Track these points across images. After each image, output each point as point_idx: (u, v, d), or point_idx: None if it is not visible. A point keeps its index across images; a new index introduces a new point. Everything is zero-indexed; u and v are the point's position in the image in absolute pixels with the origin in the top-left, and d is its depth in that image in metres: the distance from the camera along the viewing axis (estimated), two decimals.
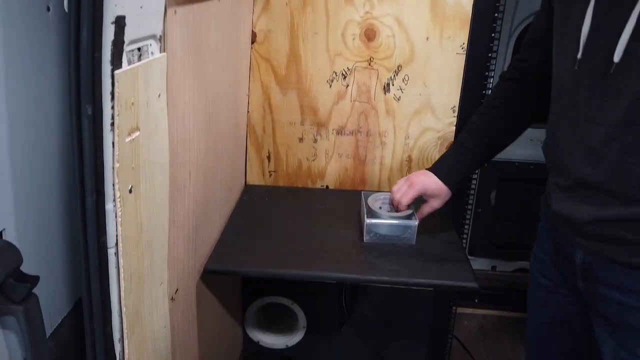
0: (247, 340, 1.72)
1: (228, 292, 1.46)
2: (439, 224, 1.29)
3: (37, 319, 0.72)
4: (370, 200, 1.24)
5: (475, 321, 2.30)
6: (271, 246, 1.16)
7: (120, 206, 0.67)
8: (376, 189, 1.46)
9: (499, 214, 2.38)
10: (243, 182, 1.48)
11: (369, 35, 1.31)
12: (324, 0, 1.29)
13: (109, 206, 0.66)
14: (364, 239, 1.20)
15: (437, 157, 1.42)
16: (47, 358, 0.75)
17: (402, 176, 1.42)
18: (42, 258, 0.70)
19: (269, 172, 1.48)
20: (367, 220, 1.18)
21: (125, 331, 0.74)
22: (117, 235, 0.68)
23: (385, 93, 1.37)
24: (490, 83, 1.33)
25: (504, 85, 1.06)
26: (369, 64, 1.34)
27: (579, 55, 0.77)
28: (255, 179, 1.49)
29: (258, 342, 1.72)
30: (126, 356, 0.75)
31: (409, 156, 1.43)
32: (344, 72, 1.35)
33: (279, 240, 1.19)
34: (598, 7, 0.74)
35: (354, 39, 1.32)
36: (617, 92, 0.73)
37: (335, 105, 1.39)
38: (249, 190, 1.46)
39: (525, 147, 2.34)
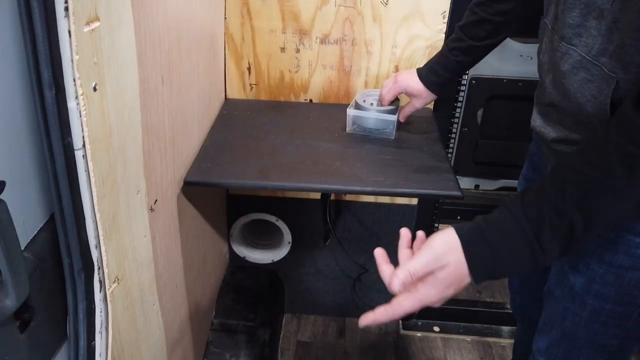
0: (234, 256, 1.74)
1: (213, 207, 1.45)
2: (428, 137, 1.27)
3: (8, 226, 0.69)
4: (359, 95, 1.28)
5: None
6: (253, 159, 1.13)
7: (85, 104, 0.62)
8: None
9: (484, 132, 2.36)
10: (223, 96, 1.42)
11: None
12: None
13: (71, 104, 0.61)
14: (347, 129, 1.27)
15: None
16: (22, 268, 0.73)
17: None
18: (11, 167, 0.66)
19: (250, 85, 1.42)
20: (350, 112, 1.24)
21: (101, 237, 0.71)
22: (83, 137, 0.64)
23: None
24: None
25: None
26: None
27: None
28: (235, 92, 1.43)
29: (244, 257, 1.74)
30: (104, 262, 0.73)
31: (396, 66, 1.37)
32: None
33: (261, 153, 1.15)
34: None
35: None
36: (600, 13, 0.65)
37: (318, 11, 1.30)
38: (229, 105, 1.40)
39: (515, 63, 2.27)
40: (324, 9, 1.30)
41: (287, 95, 1.43)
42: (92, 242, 0.71)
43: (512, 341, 1.82)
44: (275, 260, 1.74)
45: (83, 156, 0.65)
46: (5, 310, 0.74)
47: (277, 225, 1.67)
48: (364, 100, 1.25)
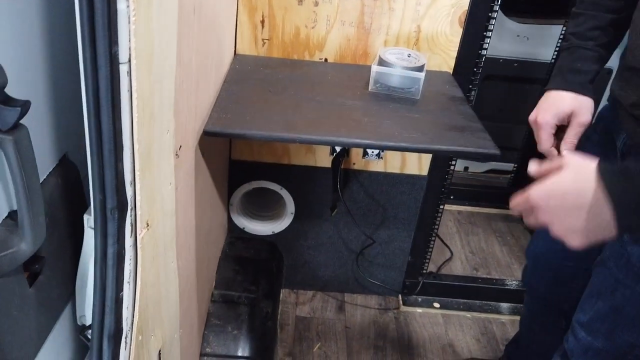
0: (232, 226, 1.65)
1: (217, 172, 1.36)
2: (453, 97, 1.22)
3: (29, 156, 0.60)
4: (382, 52, 1.21)
5: (451, 216, 2.34)
6: (276, 112, 1.05)
7: (134, 9, 0.53)
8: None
9: (477, 113, 2.35)
10: (232, 50, 1.33)
11: None
12: None
13: (121, 5, 0.52)
14: (369, 87, 1.19)
15: (448, 29, 1.31)
16: (41, 208, 0.64)
17: (409, 48, 1.32)
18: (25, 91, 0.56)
19: (262, 40, 1.33)
20: (375, 68, 1.17)
21: (137, 173, 0.63)
22: (129, 49, 0.55)
23: None
24: None
25: None
26: None
27: None
28: (246, 47, 1.33)
29: (243, 228, 1.66)
30: (138, 203, 0.65)
31: (418, 26, 1.31)
32: None
33: (283, 106, 1.07)
34: None
35: None
36: None
37: None
38: (239, 60, 1.31)
39: (511, 43, 2.25)
40: None
41: (301, 53, 1.35)
42: (127, 178, 0.62)
43: (511, 317, 1.81)
44: (276, 231, 1.67)
45: (127, 72, 0.56)
46: (19, 256, 0.65)
47: (281, 194, 1.59)
48: (389, 57, 1.19)
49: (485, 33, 1.31)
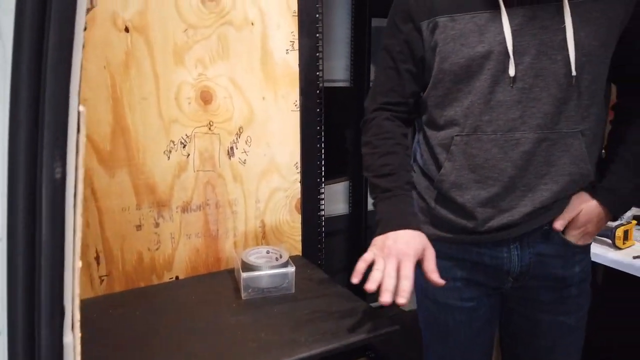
0: None
1: None
2: (321, 278, 1.23)
3: None
4: (244, 256, 1.18)
5: None
6: None
7: None
8: (232, 265, 1.30)
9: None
10: None
11: (206, 98, 1.20)
12: (150, 61, 1.12)
13: None
14: (242, 296, 1.12)
15: (288, 217, 1.37)
16: None
17: (258, 244, 1.32)
18: None
19: (100, 278, 1.14)
20: (244, 275, 1.12)
21: None
22: None
23: (229, 158, 1.26)
24: (322, 136, 1.39)
25: (385, 124, 1.00)
26: (209, 129, 1.22)
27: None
28: (80, 291, 1.12)
29: None
30: None
31: (262, 221, 1.33)
32: (182, 140, 1.19)
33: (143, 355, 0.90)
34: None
35: (189, 103, 1.18)
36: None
37: (176, 179, 1.20)
38: None
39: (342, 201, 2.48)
40: (183, 176, 1.20)
41: (147, 279, 1.20)
42: None
43: None
44: None
45: None
46: None
47: None
48: (254, 260, 1.16)
49: (319, 213, 1.42)
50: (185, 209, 1.22)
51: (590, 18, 0.82)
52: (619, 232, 1.39)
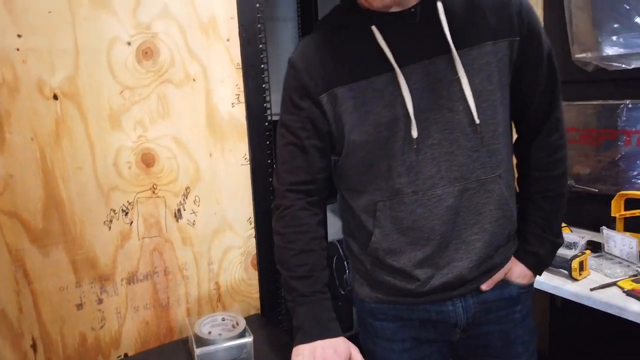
0: None
1: None
2: (281, 340, 1.17)
3: None
4: (197, 328, 1.10)
5: None
6: None
7: None
8: (187, 334, 1.21)
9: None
10: None
11: (147, 160, 1.13)
12: (84, 127, 1.04)
13: None
14: None
15: (244, 275, 1.31)
16: None
17: (213, 311, 1.25)
18: None
19: None
20: (198, 351, 1.03)
21: None
22: None
23: (177, 220, 1.18)
24: None
25: (300, 215, 0.94)
26: (153, 192, 1.14)
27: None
28: None
29: None
30: None
31: (216, 283, 1.26)
32: (124, 208, 1.11)
33: None
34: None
35: (130, 168, 1.11)
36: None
37: (119, 250, 1.11)
38: None
39: None
40: (126, 245, 1.12)
41: (93, 359, 1.10)
42: None
43: None
44: None
45: None
46: None
47: None
48: (207, 331, 1.09)
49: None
50: (130, 280, 1.14)
51: (482, 64, 0.83)
52: (575, 264, 1.41)
